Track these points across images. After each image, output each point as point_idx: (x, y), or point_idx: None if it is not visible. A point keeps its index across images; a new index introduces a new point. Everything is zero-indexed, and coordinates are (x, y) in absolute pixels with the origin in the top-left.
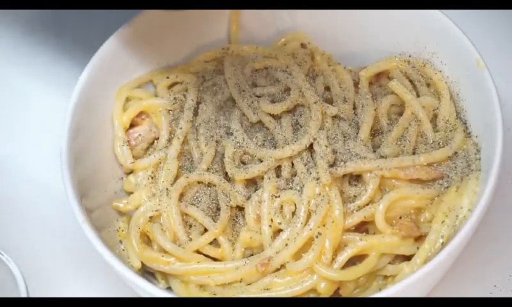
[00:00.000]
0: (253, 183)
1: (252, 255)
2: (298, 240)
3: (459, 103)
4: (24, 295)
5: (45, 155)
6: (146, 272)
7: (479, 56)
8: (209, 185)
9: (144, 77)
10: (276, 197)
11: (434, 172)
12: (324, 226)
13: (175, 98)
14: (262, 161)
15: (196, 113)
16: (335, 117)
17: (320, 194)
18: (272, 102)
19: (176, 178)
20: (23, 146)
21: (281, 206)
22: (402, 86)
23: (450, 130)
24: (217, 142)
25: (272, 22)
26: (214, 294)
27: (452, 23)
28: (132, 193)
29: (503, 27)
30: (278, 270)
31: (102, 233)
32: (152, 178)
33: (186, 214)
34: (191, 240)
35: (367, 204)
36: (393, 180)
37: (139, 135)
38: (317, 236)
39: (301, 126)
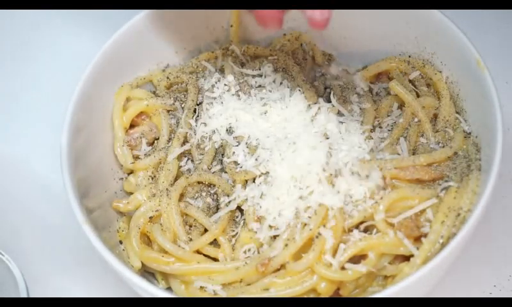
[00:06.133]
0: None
1: (252, 255)
2: (298, 241)
3: (459, 103)
4: (24, 295)
5: (45, 155)
6: (146, 272)
7: (479, 56)
8: (209, 185)
9: (144, 77)
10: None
11: (434, 172)
12: (324, 226)
13: (175, 98)
14: None
15: (196, 113)
16: None
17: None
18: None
19: (177, 178)
20: (23, 145)
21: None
22: (402, 86)
23: (450, 131)
24: (217, 142)
25: None
26: (214, 294)
27: (452, 23)
28: (132, 193)
29: (502, 27)
30: (278, 270)
31: (102, 233)
32: (152, 178)
33: (186, 214)
34: (191, 240)
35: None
36: (393, 180)
37: (139, 135)
38: (317, 237)
39: None
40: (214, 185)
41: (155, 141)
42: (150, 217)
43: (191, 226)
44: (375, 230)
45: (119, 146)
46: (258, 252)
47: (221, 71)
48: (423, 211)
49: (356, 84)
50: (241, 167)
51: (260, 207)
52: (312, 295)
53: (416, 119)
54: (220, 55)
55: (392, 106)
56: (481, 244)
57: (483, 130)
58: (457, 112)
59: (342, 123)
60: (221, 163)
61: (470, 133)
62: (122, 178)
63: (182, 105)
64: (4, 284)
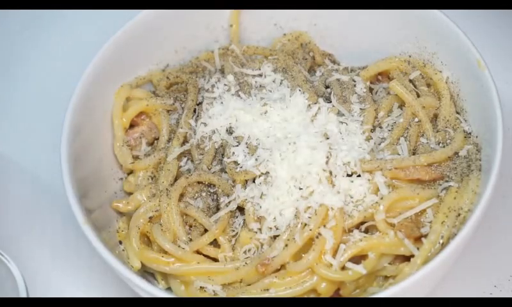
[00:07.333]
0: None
1: (252, 255)
2: (298, 241)
3: (459, 103)
4: (23, 295)
5: (45, 155)
6: (146, 272)
7: (479, 56)
8: (209, 185)
9: (144, 77)
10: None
11: (434, 172)
12: (324, 226)
13: (175, 98)
14: None
15: (196, 113)
16: None
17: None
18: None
19: (177, 178)
20: (23, 146)
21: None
22: (402, 86)
23: (451, 131)
24: (217, 142)
25: (272, 22)
26: (214, 294)
27: (452, 23)
28: (132, 193)
29: (503, 27)
30: (278, 270)
31: (102, 233)
32: (152, 178)
33: (186, 214)
34: (191, 240)
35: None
36: (393, 180)
37: (139, 135)
38: (317, 237)
39: None
40: (214, 185)
41: (155, 141)
42: (150, 217)
43: (191, 226)
44: (377, 232)
45: (118, 146)
46: (259, 253)
47: (221, 71)
48: (423, 211)
49: (356, 84)
50: (241, 167)
51: (260, 207)
52: (312, 295)
53: (416, 119)
54: (220, 55)
55: (392, 106)
56: (481, 244)
57: (483, 130)
58: (457, 112)
59: (342, 123)
60: (221, 163)
61: (470, 133)
62: (122, 178)
63: (182, 105)
64: (4, 284)
